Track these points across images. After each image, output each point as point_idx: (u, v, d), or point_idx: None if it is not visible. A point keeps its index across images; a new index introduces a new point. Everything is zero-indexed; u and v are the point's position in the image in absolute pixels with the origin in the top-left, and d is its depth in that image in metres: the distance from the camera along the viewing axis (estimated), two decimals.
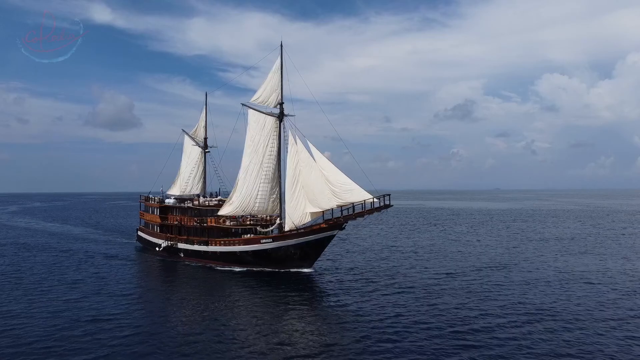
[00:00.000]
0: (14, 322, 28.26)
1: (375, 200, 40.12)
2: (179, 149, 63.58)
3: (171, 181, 63.91)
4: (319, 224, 43.17)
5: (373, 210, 40.37)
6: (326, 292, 36.43)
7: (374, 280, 39.40)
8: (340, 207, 41.74)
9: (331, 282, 39.40)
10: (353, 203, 40.85)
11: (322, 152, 45.19)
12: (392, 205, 40.76)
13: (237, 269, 45.85)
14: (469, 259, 50.43)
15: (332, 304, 32.86)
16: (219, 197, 56.64)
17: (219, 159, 58.82)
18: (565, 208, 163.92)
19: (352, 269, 44.90)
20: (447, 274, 41.82)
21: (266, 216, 51.12)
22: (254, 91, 48.95)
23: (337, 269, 45.05)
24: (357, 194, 40.86)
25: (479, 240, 67.59)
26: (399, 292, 34.81)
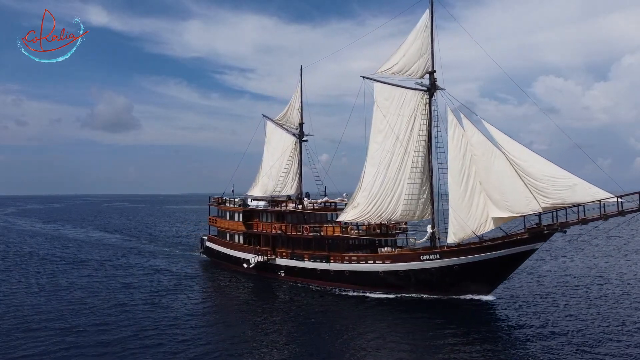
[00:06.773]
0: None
1: (619, 200, 27.71)
2: (258, 141, 51.55)
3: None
4: (516, 233, 31.20)
5: (609, 214, 27.87)
6: (519, 329, 25.51)
7: (588, 310, 27.91)
8: (555, 210, 29.64)
9: (525, 314, 28.17)
10: (577, 204, 28.66)
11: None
12: None
13: (372, 295, 33.95)
14: None
15: (528, 347, 22.76)
16: (325, 199, 44.45)
17: (314, 150, 46.92)
18: None
19: (549, 294, 33.05)
20: None
21: (391, 222, 39.21)
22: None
23: (529, 294, 33.15)
24: (583, 192, 28.57)
25: None
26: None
